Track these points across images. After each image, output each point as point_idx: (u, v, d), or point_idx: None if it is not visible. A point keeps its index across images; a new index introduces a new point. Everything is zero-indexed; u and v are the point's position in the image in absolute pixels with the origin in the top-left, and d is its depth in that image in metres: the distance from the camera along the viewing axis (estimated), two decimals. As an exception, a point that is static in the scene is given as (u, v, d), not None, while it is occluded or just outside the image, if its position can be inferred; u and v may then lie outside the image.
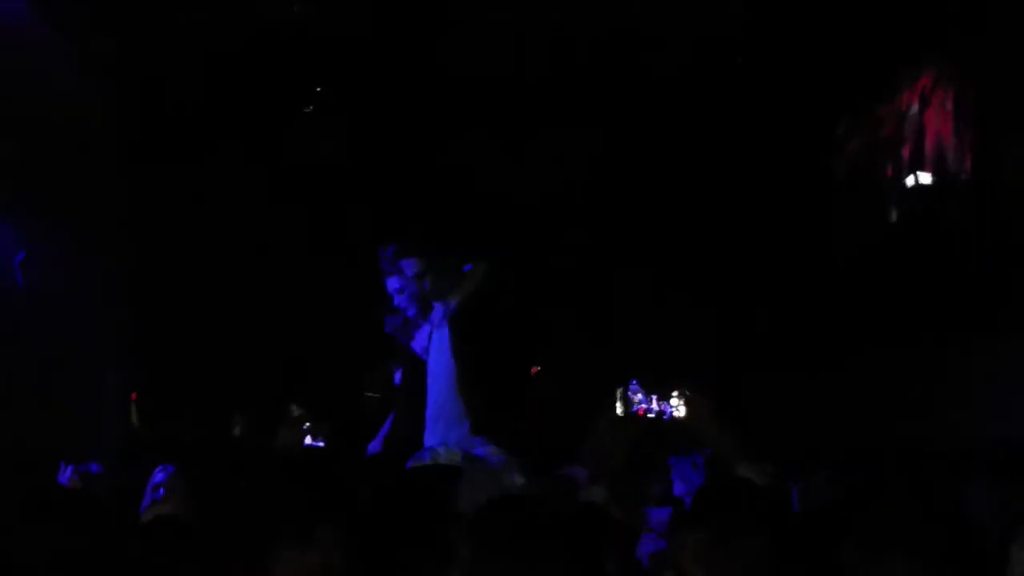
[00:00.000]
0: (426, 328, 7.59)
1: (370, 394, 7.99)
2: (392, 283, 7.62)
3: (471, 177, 9.53)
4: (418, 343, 7.66)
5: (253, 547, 2.76)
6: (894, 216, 8.01)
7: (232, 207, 9.58)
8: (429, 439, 7.20)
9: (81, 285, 8.64)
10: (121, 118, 9.04)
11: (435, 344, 7.47)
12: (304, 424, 7.56)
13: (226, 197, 9.55)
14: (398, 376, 7.86)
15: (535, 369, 8.71)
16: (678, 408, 8.43)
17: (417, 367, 7.62)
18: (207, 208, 9.44)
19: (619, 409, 8.09)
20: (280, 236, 9.80)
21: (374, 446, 7.60)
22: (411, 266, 7.52)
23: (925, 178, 7.18)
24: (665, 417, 8.31)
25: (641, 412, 8.14)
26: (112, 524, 3.63)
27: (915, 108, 7.90)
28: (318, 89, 9.80)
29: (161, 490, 5.66)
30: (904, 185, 7.38)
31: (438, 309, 7.48)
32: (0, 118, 7.78)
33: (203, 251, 9.40)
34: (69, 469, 6.10)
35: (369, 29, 9.14)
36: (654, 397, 8.29)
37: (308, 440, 7.92)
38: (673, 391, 8.46)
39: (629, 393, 8.18)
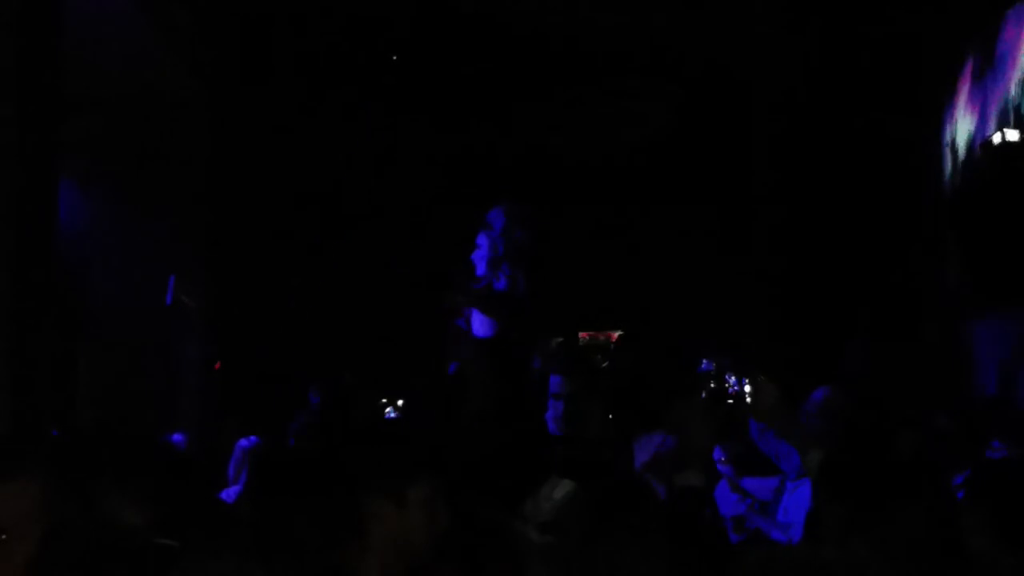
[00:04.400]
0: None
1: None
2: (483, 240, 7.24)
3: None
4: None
5: (351, 505, 2.83)
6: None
7: (312, 184, 9.58)
8: None
9: (163, 256, 8.47)
10: (203, 94, 8.69)
11: None
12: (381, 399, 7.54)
13: (306, 174, 9.54)
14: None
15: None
16: (750, 394, 8.24)
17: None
18: (289, 182, 9.39)
19: (703, 392, 7.90)
20: (358, 211, 9.77)
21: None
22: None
23: (1012, 135, 6.83)
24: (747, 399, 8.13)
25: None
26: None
27: None
28: (394, 57, 9.79)
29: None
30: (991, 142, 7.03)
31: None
32: (84, 94, 7.37)
33: (283, 225, 9.20)
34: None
35: None
36: (744, 380, 8.09)
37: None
38: (752, 373, 8.27)
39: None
